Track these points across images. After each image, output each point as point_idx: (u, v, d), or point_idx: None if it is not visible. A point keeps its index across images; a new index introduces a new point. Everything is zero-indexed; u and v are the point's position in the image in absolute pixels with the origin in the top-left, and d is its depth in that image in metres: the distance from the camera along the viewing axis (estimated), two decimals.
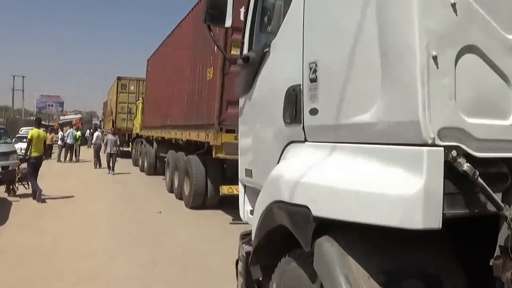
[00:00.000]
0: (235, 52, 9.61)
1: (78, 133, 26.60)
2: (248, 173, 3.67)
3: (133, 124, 25.21)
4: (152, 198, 12.88)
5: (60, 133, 26.89)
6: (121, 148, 28.14)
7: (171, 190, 13.63)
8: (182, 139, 12.50)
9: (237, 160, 4.00)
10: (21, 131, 34.79)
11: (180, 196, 12.24)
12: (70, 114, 55.10)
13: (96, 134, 25.59)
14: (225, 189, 9.63)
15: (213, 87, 9.79)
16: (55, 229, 8.62)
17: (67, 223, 9.17)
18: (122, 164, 24.43)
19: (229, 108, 9.57)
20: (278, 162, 2.95)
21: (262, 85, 3.35)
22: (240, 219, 9.85)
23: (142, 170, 20.52)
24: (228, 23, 3.53)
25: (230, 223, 9.72)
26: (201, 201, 11.03)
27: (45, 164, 23.83)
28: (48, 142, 26.41)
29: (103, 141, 22.49)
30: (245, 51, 3.72)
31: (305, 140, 2.71)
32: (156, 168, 18.94)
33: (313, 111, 2.56)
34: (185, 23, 13.24)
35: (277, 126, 2.96)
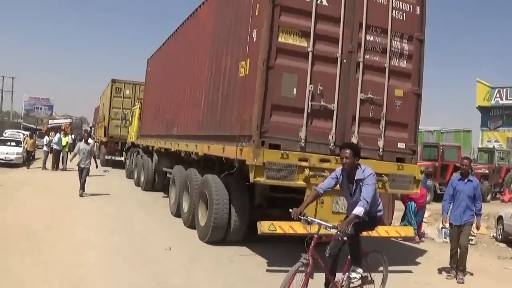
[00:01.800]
0: (283, 39, 7.21)
1: (66, 139, 23.86)
2: None
3: (128, 132, 22.63)
4: (155, 225, 10.27)
5: (46, 137, 24.04)
6: (113, 158, 25.74)
7: (177, 213, 11.06)
8: (195, 153, 9.93)
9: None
10: (5, 133, 32.14)
11: (191, 224, 9.71)
12: (60, 118, 52.26)
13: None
14: (265, 226, 7.04)
15: (251, 86, 7.29)
16: (27, 273, 6.00)
17: (43, 264, 6.55)
18: (115, 175, 21.91)
19: (274, 115, 7.14)
20: None
21: None
22: (278, 264, 6.95)
23: (137, 184, 17.89)
24: None
25: (267, 271, 7.19)
26: (221, 235, 8.49)
27: (27, 172, 21.35)
28: (28, 148, 23.35)
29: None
30: None
31: None
32: (154, 184, 16.42)
33: None
34: (204, 9, 10.73)
35: None
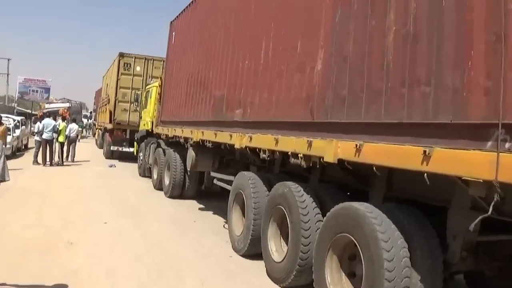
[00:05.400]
0: None
1: (63, 124, 19.19)
2: None
3: (140, 117, 18.01)
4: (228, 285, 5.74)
5: (38, 124, 19.13)
6: (119, 149, 21.34)
7: (248, 252, 6.66)
8: (305, 157, 5.31)
9: None
10: None
11: (294, 284, 5.28)
12: (57, 102, 47.30)
13: (71, 125, 20.28)
14: None
15: None
16: None
17: None
18: (124, 171, 17.45)
19: None
20: None
21: None
22: None
23: (158, 187, 13.33)
24: None
25: None
26: None
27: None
28: None
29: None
30: None
31: None
32: (183, 189, 11.87)
33: None
34: None
35: None
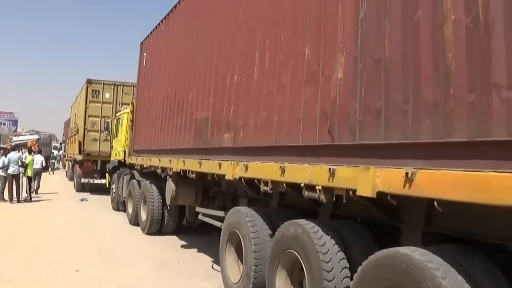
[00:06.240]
0: None
1: (30, 157, 17.79)
2: None
3: (112, 147, 16.77)
4: None
5: (3, 158, 17.60)
6: (90, 181, 20.02)
7: None
8: (340, 190, 4.16)
9: None
10: None
11: None
12: (26, 135, 45.31)
13: (36, 157, 18.74)
14: None
15: None
16: None
17: None
18: (96, 205, 16.13)
19: None
20: None
21: None
22: None
23: (133, 222, 12.00)
24: None
25: None
26: None
27: None
28: None
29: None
30: None
31: None
32: (162, 224, 10.63)
33: None
34: None
35: None
